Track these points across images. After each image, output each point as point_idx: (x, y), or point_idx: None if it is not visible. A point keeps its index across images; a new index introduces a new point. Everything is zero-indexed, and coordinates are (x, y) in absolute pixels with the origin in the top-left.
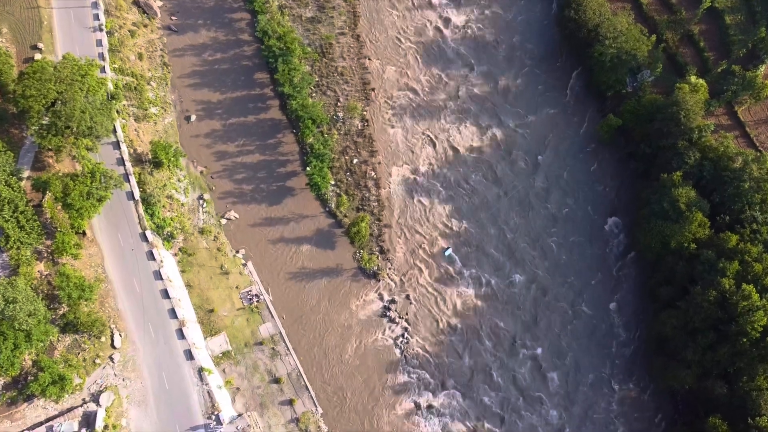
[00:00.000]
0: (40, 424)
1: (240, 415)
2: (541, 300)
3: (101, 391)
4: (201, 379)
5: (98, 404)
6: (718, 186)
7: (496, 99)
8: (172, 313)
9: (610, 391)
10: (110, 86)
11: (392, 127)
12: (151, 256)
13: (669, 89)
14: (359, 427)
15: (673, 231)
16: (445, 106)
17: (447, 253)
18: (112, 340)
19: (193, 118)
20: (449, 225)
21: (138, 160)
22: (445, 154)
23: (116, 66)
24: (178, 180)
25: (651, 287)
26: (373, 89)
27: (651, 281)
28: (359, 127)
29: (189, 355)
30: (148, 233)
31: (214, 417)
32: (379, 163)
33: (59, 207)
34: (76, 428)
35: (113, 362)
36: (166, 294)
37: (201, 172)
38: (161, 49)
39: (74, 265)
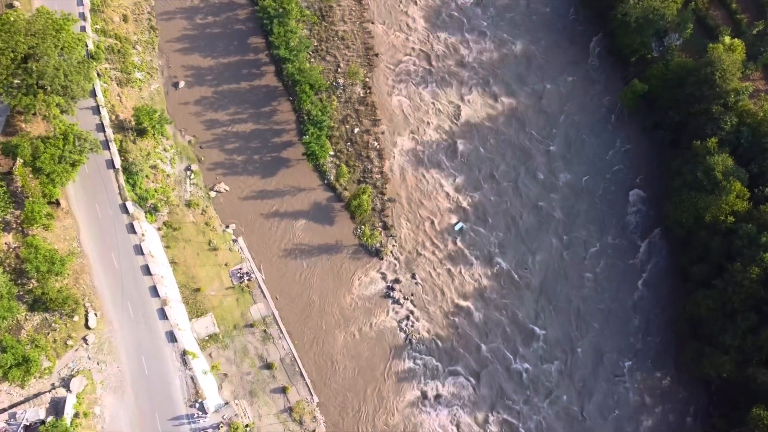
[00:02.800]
0: (3, 410)
1: (227, 403)
2: (559, 280)
3: (72, 376)
4: (184, 363)
5: (68, 390)
6: (758, 154)
7: (509, 66)
8: (154, 291)
9: (636, 381)
10: (90, 45)
11: (397, 94)
12: (131, 229)
13: (699, 54)
14: (359, 418)
15: (707, 203)
16: (454, 73)
17: (457, 228)
18: (87, 320)
19: (182, 84)
20: (459, 199)
21: (120, 127)
22: (454, 124)
23: (98, 27)
24: (164, 150)
25: (681, 266)
26: (376, 54)
27: (682, 259)
28: (361, 95)
29: (171, 337)
30: (129, 204)
31: (197, 405)
32: (383, 132)
33: (30, 174)
34: (42, 416)
35: (87, 344)
36: (147, 270)
37: (189, 142)
38: (148, 12)
39: (46, 238)
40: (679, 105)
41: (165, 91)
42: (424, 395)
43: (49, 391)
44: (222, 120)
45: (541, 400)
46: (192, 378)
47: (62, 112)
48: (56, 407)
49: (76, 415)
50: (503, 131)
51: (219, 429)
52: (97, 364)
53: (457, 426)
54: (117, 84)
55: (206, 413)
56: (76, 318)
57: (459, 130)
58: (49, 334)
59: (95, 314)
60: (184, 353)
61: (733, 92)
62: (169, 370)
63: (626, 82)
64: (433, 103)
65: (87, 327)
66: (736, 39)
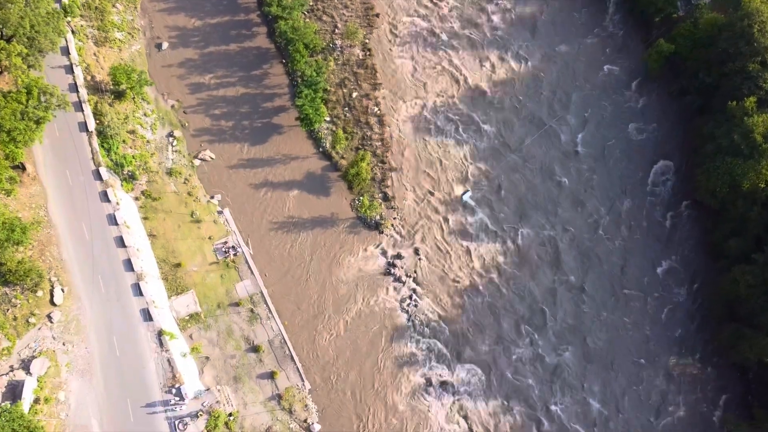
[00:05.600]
0: None
1: (208, 389)
2: (576, 259)
3: (34, 357)
4: (161, 344)
5: (28, 372)
6: None
7: (522, 28)
8: (128, 264)
9: (664, 369)
10: None
11: (400, 57)
12: (105, 197)
13: (734, 9)
14: (356, 407)
15: (745, 169)
16: (462, 35)
17: (465, 198)
18: (52, 296)
19: (166, 45)
20: (467, 169)
21: (96, 88)
22: (461, 89)
23: None
24: (145, 114)
25: (714, 240)
26: (377, 15)
27: (715, 233)
28: (360, 57)
29: (147, 316)
30: (103, 170)
31: (174, 391)
32: (384, 97)
33: None
34: None
35: (52, 322)
36: (121, 242)
37: (172, 107)
38: None
39: (8, 205)
40: (710, 65)
41: (147, 52)
42: (429, 382)
43: (7, 373)
44: (208, 84)
45: (559, 389)
46: (169, 361)
47: (29, 66)
48: (14, 392)
49: (36, 400)
50: (516, 96)
51: (198, 417)
52: (63, 344)
53: (465, 417)
54: (94, 43)
55: (184, 400)
56: (39, 293)
57: (467, 95)
58: (8, 310)
59: (62, 289)
60: (160, 333)
61: None
62: (143, 352)
63: (649, 44)
64: (439, 67)
65: (52, 303)
66: None
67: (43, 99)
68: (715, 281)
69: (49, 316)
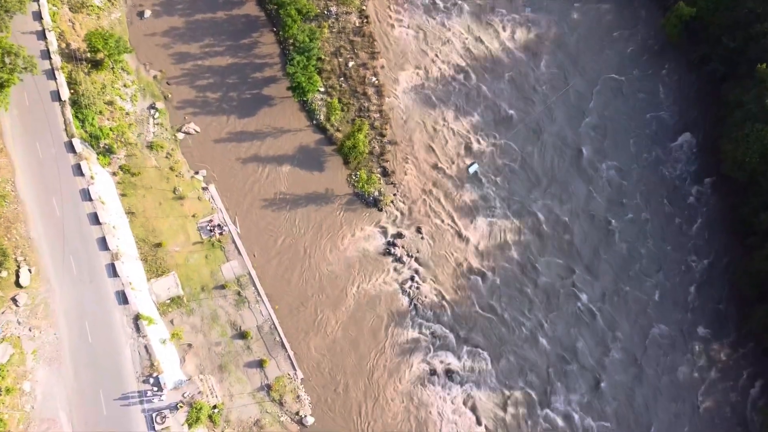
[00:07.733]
0: None
1: (189, 379)
2: (592, 236)
3: None
4: (137, 330)
5: None
6: None
7: None
8: (103, 243)
9: (690, 354)
10: None
11: (399, 24)
12: (78, 171)
13: None
14: (354, 398)
15: None
16: (466, 0)
17: (471, 170)
18: (18, 277)
19: (148, 13)
20: (473, 141)
21: (71, 56)
22: (467, 58)
23: None
24: (124, 85)
25: (743, 216)
26: None
27: (743, 208)
28: (356, 24)
29: (122, 299)
30: (76, 142)
31: (152, 380)
32: (382, 66)
33: None
34: None
35: (17, 305)
36: (95, 219)
37: (154, 77)
38: None
39: None
40: (735, 29)
41: (128, 20)
42: (433, 370)
43: None
44: (194, 53)
45: (572, 375)
46: (146, 348)
47: None
48: None
49: None
50: (525, 65)
51: (178, 410)
52: (29, 330)
53: (473, 408)
54: (69, 9)
55: (163, 390)
56: (4, 274)
57: (473, 64)
58: None
59: (29, 270)
60: (137, 318)
61: None
62: (118, 338)
63: (667, 9)
64: (442, 35)
65: (18, 285)
66: None
67: (7, 60)
68: (744, 260)
69: (14, 299)
